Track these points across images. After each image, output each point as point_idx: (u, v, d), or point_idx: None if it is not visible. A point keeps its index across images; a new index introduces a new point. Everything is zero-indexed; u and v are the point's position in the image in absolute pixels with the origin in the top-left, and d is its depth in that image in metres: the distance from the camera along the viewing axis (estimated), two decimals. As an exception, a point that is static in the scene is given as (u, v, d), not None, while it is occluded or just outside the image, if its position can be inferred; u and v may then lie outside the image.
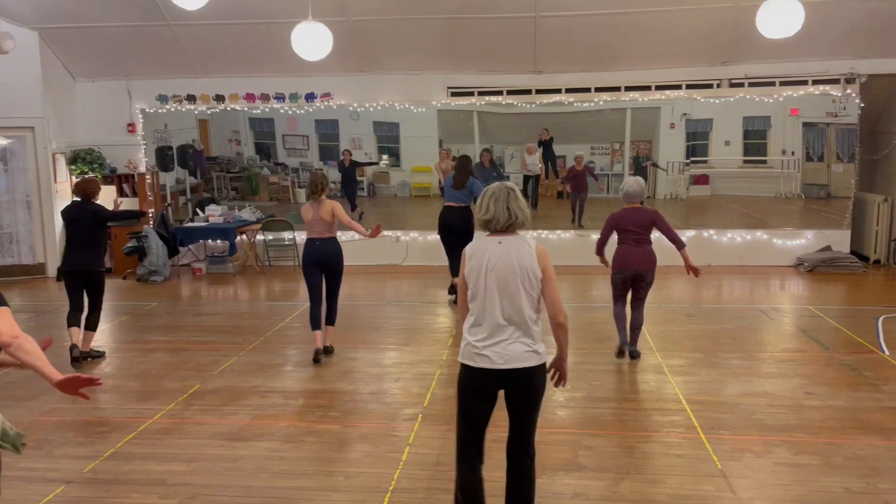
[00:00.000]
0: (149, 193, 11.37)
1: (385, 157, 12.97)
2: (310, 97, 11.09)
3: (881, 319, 7.50)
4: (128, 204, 11.26)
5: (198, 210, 11.36)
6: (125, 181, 11.40)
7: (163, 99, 11.31)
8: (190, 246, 11.31)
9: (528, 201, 3.52)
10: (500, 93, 10.86)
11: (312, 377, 6.11)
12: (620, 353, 6.31)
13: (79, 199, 6.70)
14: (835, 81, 10.21)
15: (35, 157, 10.63)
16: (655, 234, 6.12)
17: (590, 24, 9.66)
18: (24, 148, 10.62)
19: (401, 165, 12.97)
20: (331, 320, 6.57)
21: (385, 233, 10.95)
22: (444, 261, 8.75)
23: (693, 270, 6.09)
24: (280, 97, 11.15)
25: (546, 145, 12.07)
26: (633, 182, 6.16)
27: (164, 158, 11.38)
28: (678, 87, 10.58)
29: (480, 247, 3.34)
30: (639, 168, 12.02)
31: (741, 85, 10.43)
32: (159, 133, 11.56)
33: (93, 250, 6.58)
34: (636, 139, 12.30)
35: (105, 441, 4.81)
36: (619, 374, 6.07)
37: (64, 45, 10.71)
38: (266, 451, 4.61)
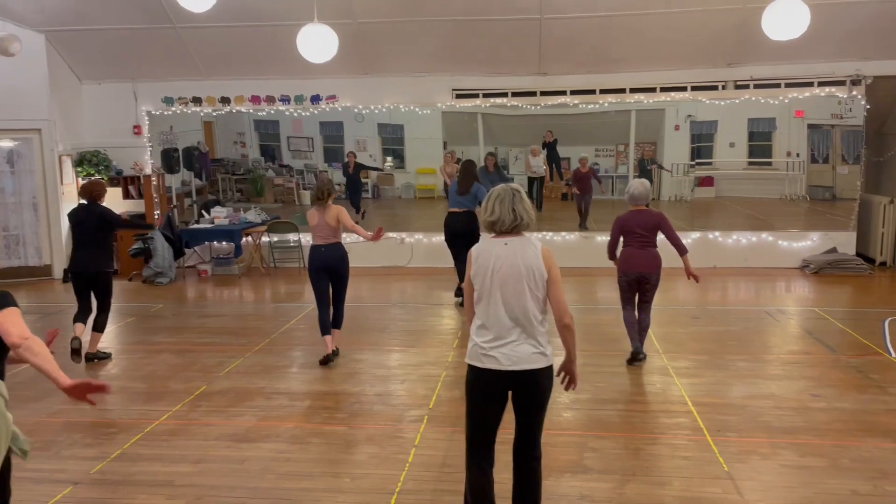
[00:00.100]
0: (154, 195, 11.40)
1: (389, 158, 12.99)
2: (315, 99, 11.12)
3: (887, 321, 7.48)
4: (133, 206, 11.35)
5: (203, 212, 11.39)
6: (131, 183, 11.43)
7: (168, 101, 11.34)
8: (195, 248, 11.34)
9: (532, 203, 3.51)
10: (504, 95, 10.86)
11: (318, 379, 6.12)
12: (633, 360, 6.21)
13: (85, 202, 6.73)
14: (840, 83, 10.18)
15: (42, 159, 10.68)
16: (661, 237, 6.12)
17: (594, 26, 9.66)
18: (30, 150, 10.67)
19: (405, 167, 13.00)
20: (337, 324, 6.58)
21: (390, 234, 10.97)
22: (448, 262, 8.76)
23: (693, 276, 6.10)
24: (285, 99, 11.17)
25: (550, 147, 12.08)
26: (638, 184, 6.16)
27: (169, 160, 11.42)
28: (683, 88, 10.57)
29: (486, 248, 3.34)
30: (643, 170, 12.01)
31: (746, 87, 10.41)
32: (165, 135, 11.60)
33: (100, 253, 6.60)
34: (641, 141, 12.30)
35: (112, 442, 4.82)
36: (624, 375, 6.07)
37: (70, 48, 10.76)
38: (272, 453, 4.62)
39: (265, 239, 11.35)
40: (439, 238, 9.05)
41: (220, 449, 4.70)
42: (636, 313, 6.26)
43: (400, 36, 10.06)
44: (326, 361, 6.38)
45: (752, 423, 4.95)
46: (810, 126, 11.19)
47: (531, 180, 11.96)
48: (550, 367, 3.29)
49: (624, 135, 12.28)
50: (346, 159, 11.93)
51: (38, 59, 10.35)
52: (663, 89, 10.59)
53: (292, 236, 11.21)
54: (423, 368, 6.31)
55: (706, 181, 12.01)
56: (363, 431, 4.97)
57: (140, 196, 11.40)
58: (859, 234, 10.63)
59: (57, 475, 4.35)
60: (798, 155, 11.41)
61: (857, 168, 10.69)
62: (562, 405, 5.27)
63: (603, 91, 10.69)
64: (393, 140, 12.86)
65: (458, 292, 8.67)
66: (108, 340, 7.19)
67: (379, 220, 12.81)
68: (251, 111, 11.52)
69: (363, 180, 12.37)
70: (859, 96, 10.18)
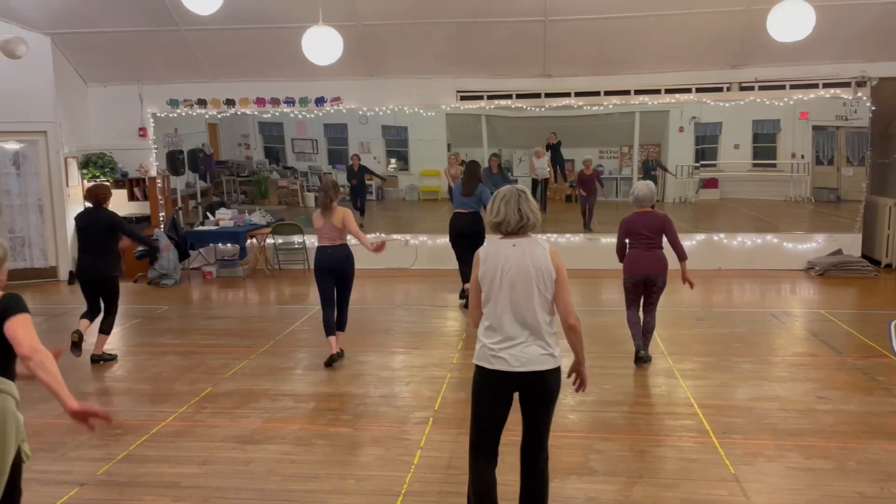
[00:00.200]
0: (159, 197, 11.44)
1: (393, 160, 12.99)
2: (320, 101, 11.13)
3: (893, 323, 7.46)
4: (138, 208, 11.38)
5: (208, 214, 11.42)
6: (136, 185, 11.47)
7: (174, 103, 11.37)
8: (200, 249, 11.36)
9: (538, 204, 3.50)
10: (509, 96, 10.87)
11: (323, 380, 6.13)
12: (638, 359, 6.26)
13: (91, 206, 6.75)
14: (845, 85, 10.16)
15: (47, 162, 10.71)
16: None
17: (599, 27, 9.66)
18: (36, 152, 10.70)
19: (409, 169, 12.99)
20: (341, 326, 6.59)
21: (394, 236, 10.99)
22: (453, 264, 8.76)
23: (689, 282, 6.12)
24: (290, 101, 11.19)
25: (554, 149, 12.06)
26: (642, 186, 6.16)
27: (174, 162, 11.44)
28: (688, 90, 10.57)
29: (495, 250, 3.33)
30: (647, 172, 12.00)
31: (751, 88, 10.41)
32: (170, 137, 11.63)
33: (107, 257, 6.62)
34: (645, 143, 12.29)
35: (118, 444, 4.84)
36: (629, 377, 6.06)
37: (76, 50, 10.80)
38: (278, 454, 4.63)
39: (270, 241, 11.36)
40: (444, 240, 9.06)
41: (225, 450, 4.71)
42: (640, 314, 6.26)
43: (404, 38, 10.08)
44: (331, 362, 6.39)
45: (758, 426, 4.95)
46: (815, 128, 11.16)
47: (535, 182, 11.95)
48: (559, 369, 3.29)
49: (628, 136, 12.27)
50: (351, 161, 11.94)
51: (44, 62, 10.39)
52: (668, 91, 10.59)
53: (297, 238, 11.22)
54: (428, 370, 6.31)
55: (710, 183, 11.98)
56: (368, 433, 4.98)
57: (145, 198, 11.44)
58: (865, 235, 10.60)
59: (63, 476, 4.37)
60: (803, 157, 11.37)
61: (862, 170, 10.66)
62: (567, 407, 5.27)
63: (607, 93, 10.69)
64: (397, 142, 12.86)
65: (463, 294, 8.67)
66: (113, 342, 7.21)
67: (383, 222, 12.81)
68: (256, 113, 11.54)
69: (367, 182, 12.38)
70: (864, 98, 10.16)
